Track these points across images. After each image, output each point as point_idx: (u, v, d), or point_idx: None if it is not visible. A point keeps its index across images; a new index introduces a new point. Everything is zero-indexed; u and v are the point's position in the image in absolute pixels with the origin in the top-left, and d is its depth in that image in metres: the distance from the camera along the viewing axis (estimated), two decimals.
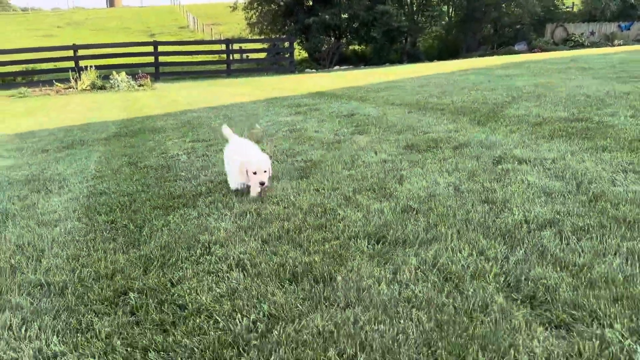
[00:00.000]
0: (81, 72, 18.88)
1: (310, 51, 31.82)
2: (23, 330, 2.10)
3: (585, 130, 4.90)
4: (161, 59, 23.03)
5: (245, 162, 3.53)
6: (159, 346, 1.93)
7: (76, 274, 2.57)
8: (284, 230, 2.94)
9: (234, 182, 3.78)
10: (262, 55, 28.56)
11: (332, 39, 32.37)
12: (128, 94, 15.85)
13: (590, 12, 35.32)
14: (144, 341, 1.96)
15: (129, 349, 1.93)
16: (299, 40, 31.15)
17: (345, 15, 31.74)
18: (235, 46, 28.45)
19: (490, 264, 2.35)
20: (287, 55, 26.68)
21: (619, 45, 27.10)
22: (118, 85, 17.80)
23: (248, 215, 3.24)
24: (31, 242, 3.08)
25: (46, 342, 2.01)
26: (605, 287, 2.09)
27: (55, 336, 2.04)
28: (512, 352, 1.76)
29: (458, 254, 2.48)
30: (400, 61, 30.10)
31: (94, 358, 1.90)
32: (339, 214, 3.16)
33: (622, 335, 1.80)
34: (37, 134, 7.92)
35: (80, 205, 3.80)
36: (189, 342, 1.94)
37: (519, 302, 2.05)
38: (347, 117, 6.95)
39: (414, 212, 3.07)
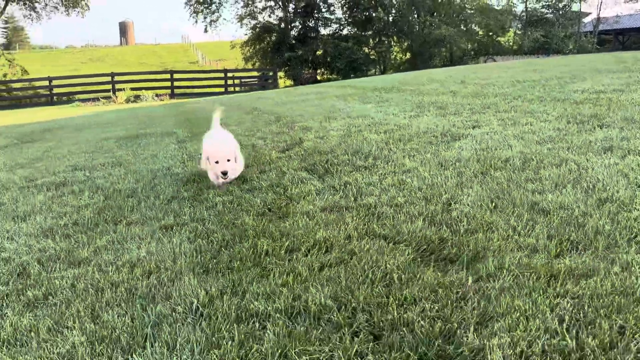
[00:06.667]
0: (117, 92, 27.03)
1: (292, 79, 40.19)
2: None
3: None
4: (175, 83, 31.17)
5: (206, 150, 3.49)
6: None
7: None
8: None
9: (210, 175, 3.60)
10: (255, 81, 36.88)
11: (311, 69, 40.79)
12: (155, 102, 23.87)
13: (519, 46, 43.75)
14: None
15: None
16: (285, 70, 39.58)
17: (320, 52, 40.30)
18: (235, 74, 36.71)
19: None
20: (271, 81, 34.95)
21: None
22: (146, 99, 25.91)
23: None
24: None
25: None
26: None
27: None
28: None
29: None
30: None
31: None
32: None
33: None
34: (121, 112, 15.69)
35: (166, 108, 11.52)
36: None
37: None
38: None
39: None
